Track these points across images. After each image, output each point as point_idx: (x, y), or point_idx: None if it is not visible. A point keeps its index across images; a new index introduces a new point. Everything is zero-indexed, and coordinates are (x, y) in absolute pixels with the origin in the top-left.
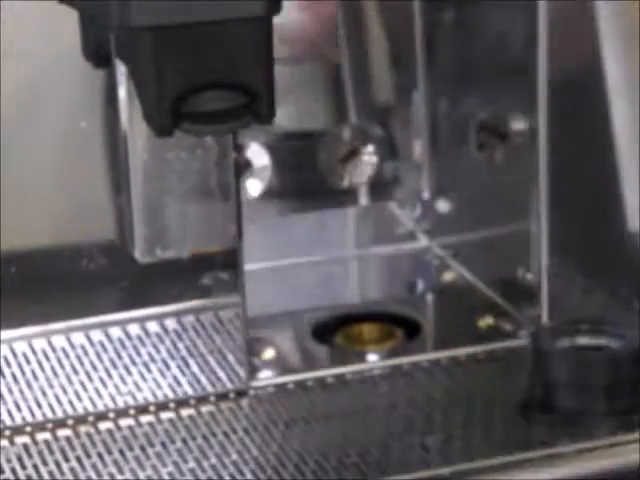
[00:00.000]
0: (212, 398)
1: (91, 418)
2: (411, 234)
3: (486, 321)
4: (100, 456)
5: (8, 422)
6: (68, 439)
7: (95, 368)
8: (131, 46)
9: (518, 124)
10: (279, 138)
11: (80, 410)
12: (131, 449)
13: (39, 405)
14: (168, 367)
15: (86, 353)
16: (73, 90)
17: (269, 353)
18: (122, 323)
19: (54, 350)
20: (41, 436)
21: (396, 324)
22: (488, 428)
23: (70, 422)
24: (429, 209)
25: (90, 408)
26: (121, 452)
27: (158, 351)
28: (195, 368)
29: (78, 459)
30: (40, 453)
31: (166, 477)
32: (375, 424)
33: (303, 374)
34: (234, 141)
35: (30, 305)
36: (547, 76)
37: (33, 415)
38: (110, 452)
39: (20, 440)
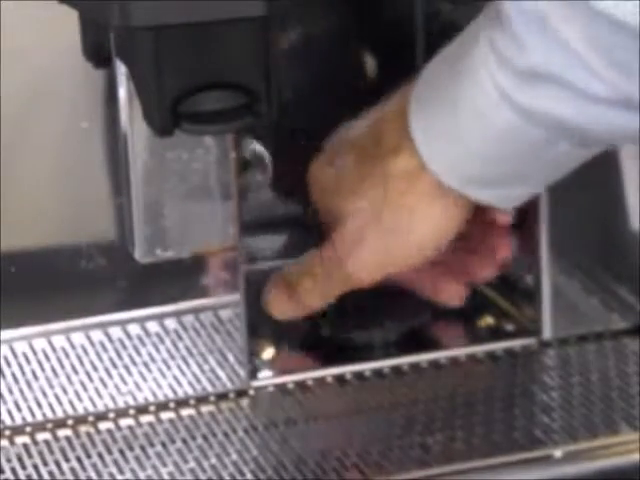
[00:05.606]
0: (212, 398)
1: (91, 418)
2: None
3: (486, 321)
4: (100, 456)
5: (8, 422)
6: (68, 439)
7: (95, 368)
8: (131, 46)
9: None
10: (280, 137)
11: (80, 410)
12: (131, 449)
13: (39, 405)
14: (168, 367)
15: (86, 353)
16: (73, 90)
17: (269, 353)
18: (122, 323)
19: (54, 350)
20: (41, 436)
21: None
22: (488, 428)
23: (70, 422)
24: None
25: (90, 408)
26: (121, 452)
27: (158, 351)
28: (195, 368)
29: (78, 459)
30: (40, 453)
31: (166, 477)
32: (375, 424)
33: (303, 374)
34: (234, 141)
35: (30, 305)
36: None
37: (33, 415)
38: (110, 452)
39: (20, 440)
